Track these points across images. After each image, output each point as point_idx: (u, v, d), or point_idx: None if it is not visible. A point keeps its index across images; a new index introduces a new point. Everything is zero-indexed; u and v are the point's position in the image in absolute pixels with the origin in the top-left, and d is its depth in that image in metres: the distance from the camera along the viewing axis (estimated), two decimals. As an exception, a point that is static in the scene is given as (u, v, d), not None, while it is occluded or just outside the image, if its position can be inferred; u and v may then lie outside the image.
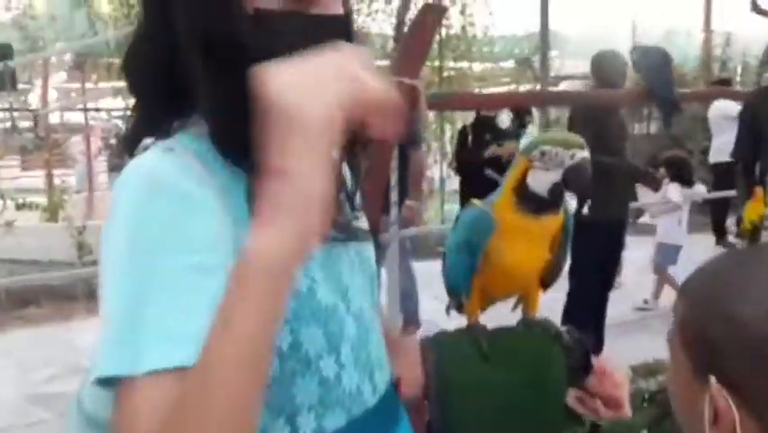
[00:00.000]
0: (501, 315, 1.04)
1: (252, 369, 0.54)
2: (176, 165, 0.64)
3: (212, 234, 0.62)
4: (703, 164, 6.80)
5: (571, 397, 0.86)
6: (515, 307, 1.01)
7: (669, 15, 9.85)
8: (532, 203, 0.86)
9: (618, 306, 3.74)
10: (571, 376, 0.85)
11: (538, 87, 7.52)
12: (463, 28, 8.77)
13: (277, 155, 0.52)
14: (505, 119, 5.09)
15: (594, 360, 0.88)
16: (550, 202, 0.86)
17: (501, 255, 0.90)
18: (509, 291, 0.98)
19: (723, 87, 6.51)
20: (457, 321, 1.01)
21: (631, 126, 8.87)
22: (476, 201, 0.94)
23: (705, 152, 6.83)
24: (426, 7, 2.25)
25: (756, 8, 2.78)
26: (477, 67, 9.32)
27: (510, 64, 9.74)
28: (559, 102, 3.59)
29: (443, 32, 7.55)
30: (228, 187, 0.65)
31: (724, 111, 5.85)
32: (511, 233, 0.89)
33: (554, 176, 0.84)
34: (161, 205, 0.61)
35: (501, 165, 4.93)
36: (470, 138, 4.96)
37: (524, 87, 8.61)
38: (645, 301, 4.53)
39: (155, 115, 0.71)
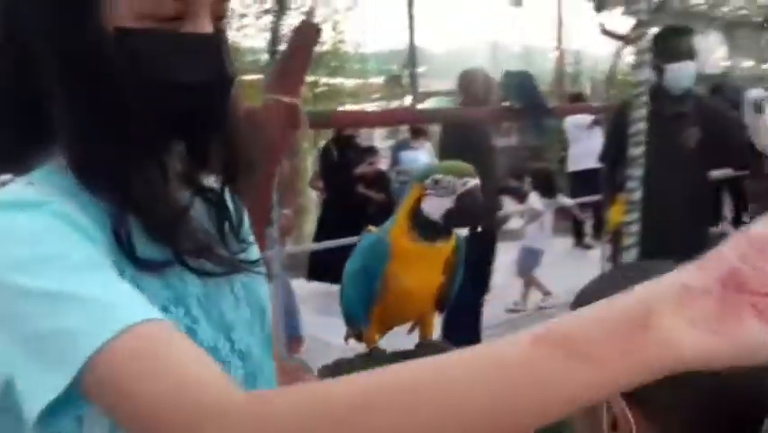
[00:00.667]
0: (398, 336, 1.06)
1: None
2: (40, 195, 0.58)
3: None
4: (560, 173, 7.31)
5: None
6: (411, 330, 1.03)
7: (525, 34, 10.47)
8: (426, 229, 0.89)
9: (491, 309, 3.92)
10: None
11: (407, 102, 7.80)
12: (335, 44, 8.90)
13: None
14: (375, 137, 5.20)
15: None
16: (443, 228, 0.90)
17: (398, 281, 0.92)
18: (407, 317, 0.99)
19: (579, 102, 7.08)
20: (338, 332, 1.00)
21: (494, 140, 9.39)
22: (372, 228, 0.95)
23: (561, 161, 7.34)
24: (304, 26, 2.25)
25: (605, 31, 3.01)
26: (349, 83, 9.45)
27: (380, 80, 9.93)
28: (437, 120, 3.72)
29: (316, 48, 7.58)
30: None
31: (578, 122, 6.36)
32: (407, 258, 0.91)
33: (447, 202, 0.87)
34: (29, 223, 0.56)
35: (368, 183, 5.05)
36: (335, 155, 5.00)
37: (394, 103, 8.83)
38: (515, 303, 4.78)
39: (7, 148, 0.64)
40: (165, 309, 0.62)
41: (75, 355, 0.50)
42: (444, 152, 3.76)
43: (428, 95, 8.48)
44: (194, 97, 0.63)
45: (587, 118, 6.25)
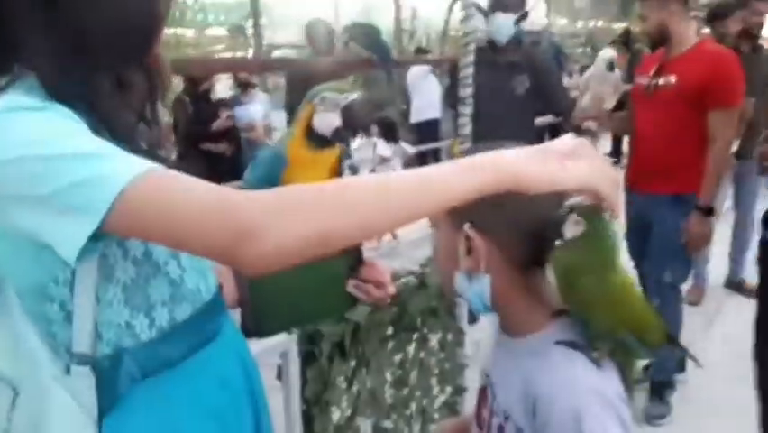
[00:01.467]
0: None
1: (391, 216, 0.73)
2: (38, 101, 0.74)
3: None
4: (402, 124, 7.75)
5: (350, 285, 1.13)
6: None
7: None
8: (317, 140, 1.10)
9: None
10: (350, 268, 1.13)
11: (250, 53, 7.80)
12: (173, -6, 8.60)
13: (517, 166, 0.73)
14: (223, 89, 5.16)
15: (364, 256, 1.16)
16: (331, 138, 1.12)
17: (295, 183, 1.13)
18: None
19: (422, 55, 7.53)
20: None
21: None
22: (269, 142, 1.15)
23: (403, 114, 7.78)
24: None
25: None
26: (189, 33, 9.18)
27: (221, 32, 9.75)
28: (290, 69, 3.85)
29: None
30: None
31: (418, 74, 6.79)
32: (302, 165, 1.12)
33: (333, 116, 1.09)
34: (42, 116, 0.72)
35: (223, 136, 5.00)
36: (190, 108, 4.94)
37: (239, 54, 8.74)
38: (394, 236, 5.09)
39: None
40: None
41: (103, 198, 0.67)
42: (291, 103, 3.93)
43: (273, 47, 8.49)
44: (142, 28, 0.81)
45: (425, 69, 6.69)
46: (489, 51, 3.14)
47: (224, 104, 5.29)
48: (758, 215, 3.58)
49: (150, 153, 0.83)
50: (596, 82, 4.11)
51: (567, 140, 0.77)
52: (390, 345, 2.18)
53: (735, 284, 4.14)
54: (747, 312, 2.30)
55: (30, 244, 0.75)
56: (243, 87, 5.83)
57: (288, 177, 1.14)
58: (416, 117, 7.14)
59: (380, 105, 8.23)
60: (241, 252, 0.68)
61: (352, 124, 1.16)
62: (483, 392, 1.05)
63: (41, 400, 0.82)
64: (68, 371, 0.82)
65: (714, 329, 3.58)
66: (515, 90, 3.07)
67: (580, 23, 14.16)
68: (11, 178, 0.70)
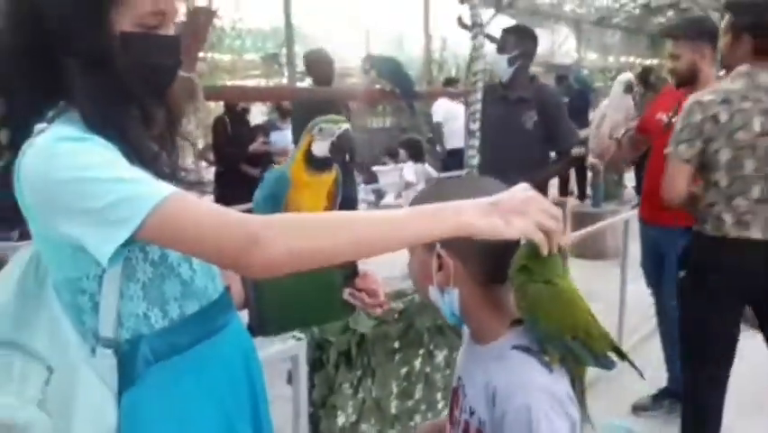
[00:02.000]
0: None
1: (362, 246, 0.91)
2: (82, 132, 0.93)
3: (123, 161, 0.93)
4: (429, 152, 7.94)
5: (346, 293, 1.29)
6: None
7: (397, 20, 10.99)
8: (315, 164, 1.29)
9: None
10: (345, 279, 1.29)
11: (285, 80, 8.07)
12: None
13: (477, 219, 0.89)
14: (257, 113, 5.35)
15: (359, 267, 1.32)
16: (327, 162, 1.30)
17: (296, 204, 1.32)
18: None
19: (449, 86, 7.72)
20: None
21: (369, 121, 9.96)
22: (276, 166, 1.35)
23: (429, 141, 7.97)
24: (197, 9, 2.56)
25: (461, 24, 3.50)
26: (225, 59, 9.53)
27: (257, 57, 10.09)
28: (320, 99, 4.05)
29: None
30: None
31: (443, 104, 6.97)
32: (302, 187, 1.31)
33: (328, 144, 1.28)
34: (86, 146, 0.91)
35: (258, 161, 5.21)
36: (229, 130, 5.13)
37: (272, 82, 9.05)
38: None
39: (28, 108, 0.97)
40: None
41: (137, 213, 0.86)
42: (296, 130, 4.07)
43: (305, 74, 8.75)
44: (164, 76, 1.02)
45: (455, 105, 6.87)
46: (500, 87, 3.31)
47: (262, 128, 5.49)
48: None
49: (171, 176, 1.02)
50: (613, 110, 4.13)
51: (518, 194, 0.93)
52: (397, 358, 2.33)
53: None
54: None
55: (68, 247, 0.94)
56: (281, 112, 6.04)
57: (291, 196, 1.32)
58: (448, 145, 7.31)
59: (406, 130, 8.48)
60: (247, 259, 0.87)
61: (344, 150, 1.35)
62: (455, 393, 1.19)
63: (71, 377, 0.99)
64: (94, 353, 1.00)
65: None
66: (524, 125, 3.23)
67: (611, 59, 14.26)
68: (62, 194, 0.89)
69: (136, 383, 1.01)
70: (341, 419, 2.11)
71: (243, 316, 1.25)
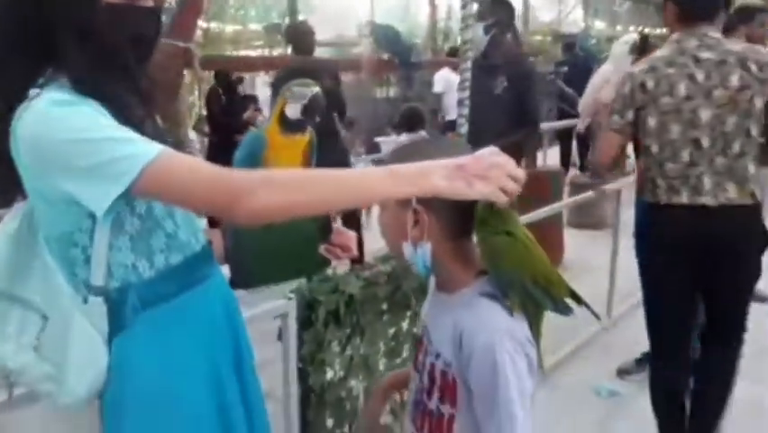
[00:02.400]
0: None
1: (334, 203, 1.01)
2: (73, 96, 1.01)
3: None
4: (430, 122, 7.94)
5: (322, 248, 1.37)
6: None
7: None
8: (289, 127, 1.36)
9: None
10: (321, 234, 1.37)
11: (288, 51, 8.07)
12: (216, -9, 8.95)
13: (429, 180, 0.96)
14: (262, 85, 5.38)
15: (333, 224, 1.40)
16: (299, 124, 1.37)
17: (273, 164, 1.39)
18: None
19: (452, 56, 7.67)
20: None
21: (374, 91, 9.95)
22: (253, 129, 1.42)
23: (433, 111, 7.97)
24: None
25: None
26: (228, 29, 9.54)
27: (259, 27, 10.08)
28: (319, 68, 4.09)
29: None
30: None
31: (444, 75, 6.97)
32: (278, 148, 1.38)
33: (300, 106, 1.35)
34: (80, 109, 0.99)
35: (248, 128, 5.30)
36: (223, 100, 5.20)
37: (276, 52, 9.04)
38: None
39: (22, 79, 1.04)
40: None
41: (132, 169, 0.95)
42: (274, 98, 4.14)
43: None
44: (145, 45, 1.10)
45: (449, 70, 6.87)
46: (479, 55, 3.41)
47: (252, 98, 5.58)
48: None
49: (156, 139, 1.09)
50: (616, 74, 4.02)
51: (484, 158, 0.99)
52: (385, 318, 2.42)
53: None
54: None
55: (63, 202, 1.02)
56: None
57: (267, 156, 1.40)
58: (447, 116, 7.32)
59: (409, 100, 8.49)
60: (235, 209, 0.96)
61: (315, 111, 1.42)
62: (420, 341, 1.27)
63: (64, 323, 1.09)
64: (85, 301, 1.09)
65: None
66: (493, 90, 3.35)
67: (619, 27, 14.11)
68: (59, 154, 0.97)
69: (125, 330, 1.10)
70: (329, 375, 2.21)
71: (225, 270, 1.34)
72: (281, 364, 2.09)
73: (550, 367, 3.17)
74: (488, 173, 0.96)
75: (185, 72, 2.65)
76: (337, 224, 1.39)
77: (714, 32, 2.16)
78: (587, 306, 1.21)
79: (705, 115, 2.12)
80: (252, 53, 9.08)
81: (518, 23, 10.45)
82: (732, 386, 2.45)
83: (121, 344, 1.10)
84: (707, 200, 2.17)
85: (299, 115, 1.37)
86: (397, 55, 3.90)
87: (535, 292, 1.12)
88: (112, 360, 1.10)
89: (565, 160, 7.89)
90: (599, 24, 13.96)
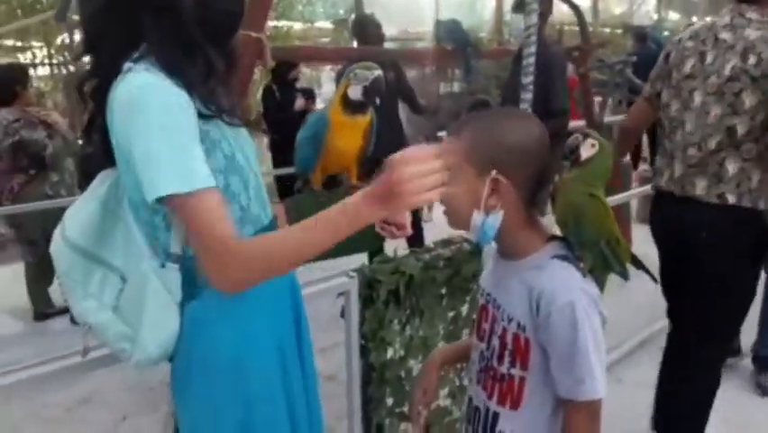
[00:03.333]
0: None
1: (303, 253, 1.04)
2: (158, 78, 1.09)
3: (193, 120, 1.08)
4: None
5: (377, 223, 1.43)
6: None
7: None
8: (351, 108, 1.44)
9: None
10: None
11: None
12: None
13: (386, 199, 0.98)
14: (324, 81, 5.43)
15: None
16: (361, 105, 1.45)
17: (335, 143, 1.48)
18: (340, 168, 1.55)
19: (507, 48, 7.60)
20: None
21: (438, 86, 9.96)
22: (317, 109, 1.51)
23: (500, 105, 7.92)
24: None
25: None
26: (297, 26, 9.75)
27: (328, 25, 10.25)
28: (383, 59, 4.17)
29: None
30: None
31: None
32: (340, 128, 1.46)
33: (362, 88, 1.43)
34: (166, 97, 1.06)
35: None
36: (277, 96, 5.22)
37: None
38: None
39: (112, 63, 1.11)
40: (217, 143, 1.16)
41: (182, 184, 1.02)
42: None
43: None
44: (228, 21, 1.17)
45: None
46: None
47: (308, 91, 5.59)
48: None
49: (229, 112, 1.18)
50: None
51: (388, 177, 0.98)
52: (444, 302, 2.47)
53: None
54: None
55: None
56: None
57: (330, 137, 1.48)
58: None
59: (474, 93, 8.46)
60: (216, 282, 1.05)
61: (376, 93, 1.49)
62: (483, 309, 1.32)
63: (142, 286, 1.17)
64: (163, 266, 1.17)
65: None
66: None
67: (695, 18, 13.60)
68: (137, 137, 1.04)
69: (197, 297, 1.17)
70: (390, 353, 2.28)
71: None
72: (343, 338, 2.18)
73: (613, 362, 3.16)
74: (399, 189, 0.96)
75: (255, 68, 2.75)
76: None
77: (753, 13, 1.95)
78: (646, 271, 1.30)
79: (697, 99, 1.99)
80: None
81: (588, 15, 10.26)
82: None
83: (193, 310, 1.17)
84: (675, 188, 2.06)
85: (361, 97, 1.45)
86: (457, 44, 3.90)
87: (608, 253, 1.20)
88: (184, 325, 1.17)
89: (636, 154, 7.70)
90: (674, 16, 13.51)
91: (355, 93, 1.45)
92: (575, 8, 5.25)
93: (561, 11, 7.16)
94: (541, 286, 1.15)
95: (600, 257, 1.19)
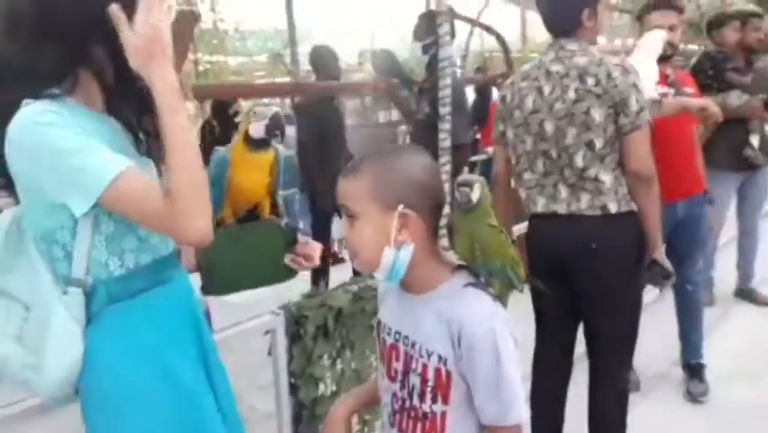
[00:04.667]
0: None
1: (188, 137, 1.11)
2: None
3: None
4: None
5: (287, 258, 1.44)
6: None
7: (400, 18, 11.06)
8: (254, 145, 1.45)
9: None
10: (287, 246, 1.44)
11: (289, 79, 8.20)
12: (215, 23, 9.18)
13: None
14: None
15: (299, 237, 1.47)
16: (263, 142, 1.47)
17: (238, 180, 1.48)
18: (249, 204, 1.56)
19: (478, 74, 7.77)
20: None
21: (377, 115, 10.02)
22: (219, 148, 1.52)
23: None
24: (180, 15, 2.71)
25: (455, 15, 3.61)
26: (231, 61, 9.75)
27: (263, 58, 10.27)
28: (302, 92, 4.20)
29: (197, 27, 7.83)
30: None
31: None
32: (242, 165, 1.48)
33: (262, 125, 1.45)
34: (65, 120, 1.08)
35: None
36: (216, 132, 5.23)
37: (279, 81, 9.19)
38: None
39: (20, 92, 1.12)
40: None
41: (99, 183, 1.06)
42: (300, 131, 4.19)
43: (310, 72, 8.89)
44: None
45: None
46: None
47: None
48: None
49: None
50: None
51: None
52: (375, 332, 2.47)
53: (745, 292, 4.25)
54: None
55: (48, 204, 1.12)
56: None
57: (233, 173, 1.50)
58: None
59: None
60: (180, 236, 1.12)
61: (275, 128, 1.51)
62: (393, 349, 1.27)
63: (46, 314, 1.17)
64: (65, 292, 1.17)
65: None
66: (417, 115, 3.40)
67: (618, 42, 14.16)
68: (45, 158, 1.06)
69: (93, 321, 1.19)
70: (320, 389, 2.26)
71: (196, 278, 1.40)
72: (271, 376, 2.14)
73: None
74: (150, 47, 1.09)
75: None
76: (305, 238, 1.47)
77: (573, 45, 2.12)
78: (540, 284, 1.38)
79: (549, 127, 2.12)
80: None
81: (517, 42, 10.56)
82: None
83: (90, 333, 1.19)
84: (559, 208, 2.14)
85: (263, 134, 1.47)
86: (396, 75, 3.93)
87: (512, 276, 1.26)
88: (84, 349, 1.19)
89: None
90: (600, 40, 14.00)
91: (257, 131, 1.47)
92: (498, 37, 5.43)
93: (488, 39, 7.38)
94: (460, 316, 1.15)
95: (507, 280, 1.25)
